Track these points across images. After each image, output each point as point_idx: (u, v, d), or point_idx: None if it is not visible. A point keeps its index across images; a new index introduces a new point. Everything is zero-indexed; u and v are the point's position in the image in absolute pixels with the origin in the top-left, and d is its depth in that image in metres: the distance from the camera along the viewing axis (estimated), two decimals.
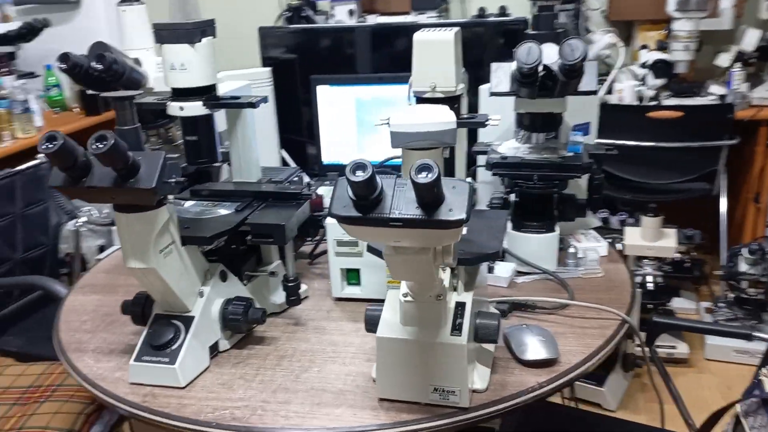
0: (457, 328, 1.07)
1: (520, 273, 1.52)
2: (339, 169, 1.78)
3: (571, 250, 1.53)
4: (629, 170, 3.15)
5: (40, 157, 2.37)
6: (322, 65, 2.08)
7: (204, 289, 1.24)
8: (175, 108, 1.23)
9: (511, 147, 1.57)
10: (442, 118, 0.94)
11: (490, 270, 1.48)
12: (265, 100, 1.31)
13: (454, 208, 0.85)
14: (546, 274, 1.48)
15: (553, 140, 1.59)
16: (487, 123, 1.10)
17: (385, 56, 2.11)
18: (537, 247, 1.51)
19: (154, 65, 1.47)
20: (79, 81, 1.37)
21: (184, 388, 1.17)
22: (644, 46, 3.28)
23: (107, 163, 0.97)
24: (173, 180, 1.09)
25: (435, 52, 1.05)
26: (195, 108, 1.23)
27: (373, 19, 3.32)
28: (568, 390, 2.14)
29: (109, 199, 1.07)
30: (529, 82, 1.33)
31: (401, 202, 0.86)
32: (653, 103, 3.09)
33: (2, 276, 2.17)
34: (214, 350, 1.26)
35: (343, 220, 0.87)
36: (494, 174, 1.50)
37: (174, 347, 1.17)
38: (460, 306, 1.09)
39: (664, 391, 1.57)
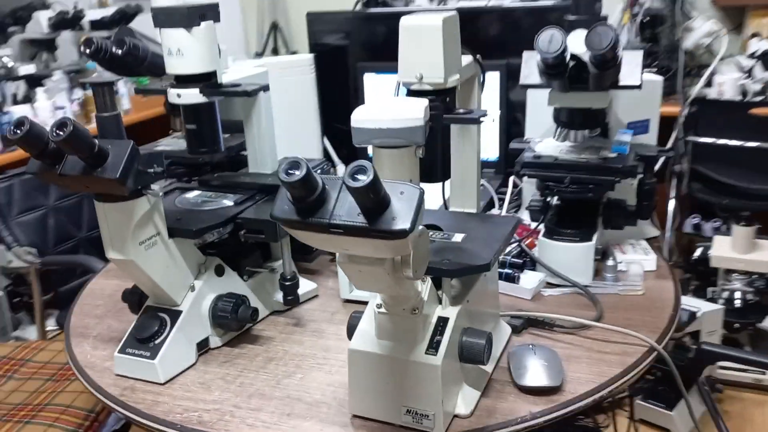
0: (433, 346, 0.96)
1: (550, 285, 1.38)
2: None
3: (610, 262, 1.37)
4: (728, 173, 2.84)
5: None
6: (374, 51, 2.00)
7: (196, 283, 1.20)
8: (173, 95, 1.19)
9: (550, 145, 1.43)
10: (409, 114, 0.84)
11: (515, 279, 1.35)
12: (265, 88, 1.25)
13: (398, 216, 0.75)
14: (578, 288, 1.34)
15: (599, 139, 1.43)
16: (481, 120, 0.98)
17: None
18: (569, 257, 1.36)
19: None
20: (104, 65, 1.38)
21: (163, 384, 1.14)
22: (755, 35, 2.95)
23: (70, 150, 0.95)
24: (152, 170, 1.06)
25: (421, 39, 0.94)
26: (192, 95, 1.18)
27: (454, 3, 3.18)
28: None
29: (82, 187, 1.05)
30: (555, 74, 1.19)
31: (344, 207, 0.77)
32: (759, 98, 2.77)
33: (66, 253, 2.26)
34: (204, 346, 1.22)
35: (282, 222, 0.79)
36: (521, 175, 1.36)
37: (157, 341, 1.15)
38: (442, 321, 0.99)
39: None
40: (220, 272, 1.24)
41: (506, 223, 1.13)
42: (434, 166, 1.02)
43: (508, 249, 1.47)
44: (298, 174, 0.74)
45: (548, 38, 1.12)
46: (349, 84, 1.98)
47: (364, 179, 0.71)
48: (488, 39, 1.86)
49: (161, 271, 1.14)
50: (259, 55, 3.69)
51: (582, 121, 1.34)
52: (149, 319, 1.17)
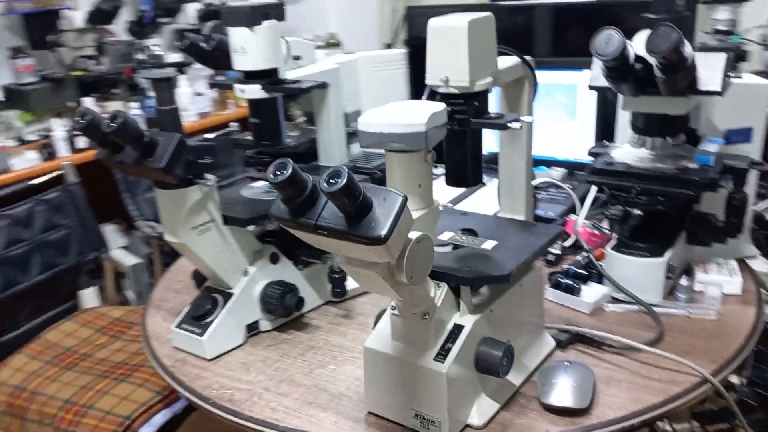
0: (443, 353, 0.95)
1: (615, 300, 1.30)
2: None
3: (684, 282, 1.27)
4: None
5: (233, 126, 2.61)
6: None
7: (250, 269, 1.27)
8: (238, 90, 1.26)
9: (629, 152, 1.34)
10: (412, 120, 0.83)
11: (574, 291, 1.29)
12: (322, 85, 1.28)
13: (377, 222, 0.75)
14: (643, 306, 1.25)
15: (687, 147, 1.32)
16: (509, 125, 0.94)
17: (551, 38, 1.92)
18: (636, 272, 1.27)
19: None
20: (197, 58, 1.49)
21: (210, 360, 1.22)
22: None
23: (122, 140, 1.04)
24: (203, 161, 1.13)
25: (447, 41, 0.92)
26: (254, 91, 1.24)
27: None
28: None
29: (138, 174, 1.14)
30: (618, 77, 1.11)
31: (331, 210, 0.78)
32: None
33: None
34: (254, 329, 1.28)
35: (276, 220, 0.82)
36: (589, 182, 1.29)
37: (208, 320, 1.23)
38: (457, 329, 0.97)
39: None
40: (274, 260, 1.30)
41: (546, 233, 1.08)
42: (464, 170, 1.00)
43: (577, 258, 1.40)
44: (283, 175, 0.76)
45: (605, 39, 1.05)
46: None
47: (337, 184, 0.72)
48: (584, 35, 1.76)
49: (214, 255, 1.21)
50: (389, 46, 3.74)
51: (660, 127, 1.25)
52: (204, 298, 1.26)
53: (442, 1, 2.24)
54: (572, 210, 1.60)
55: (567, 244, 1.48)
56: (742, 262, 1.41)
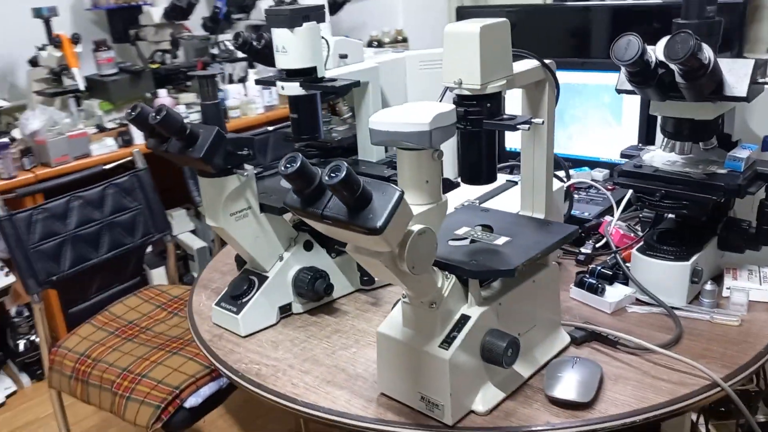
0: (448, 341, 1.01)
1: (640, 302, 1.31)
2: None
3: (708, 287, 1.27)
4: None
5: None
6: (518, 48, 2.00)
7: (285, 254, 1.36)
8: (279, 87, 1.34)
9: (660, 155, 1.35)
10: (417, 119, 0.88)
11: (597, 291, 1.31)
12: (356, 84, 1.35)
13: (375, 214, 0.81)
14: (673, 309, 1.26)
15: (716, 151, 1.32)
16: (518, 127, 0.98)
17: (589, 39, 1.92)
18: (661, 275, 1.28)
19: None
20: (250, 55, 1.58)
21: (244, 337, 1.31)
22: None
23: (166, 132, 1.14)
24: (242, 153, 1.22)
25: (460, 46, 0.96)
26: (293, 88, 1.32)
27: None
28: None
29: (181, 162, 1.23)
30: (640, 82, 1.13)
31: (336, 201, 0.85)
32: None
33: None
34: (287, 311, 1.37)
35: (289, 209, 0.90)
36: (615, 184, 1.31)
37: (244, 300, 1.32)
38: (464, 319, 1.02)
39: None
40: (308, 247, 1.38)
41: (560, 232, 1.11)
42: (478, 169, 1.05)
43: (605, 259, 1.42)
44: (293, 168, 0.84)
45: (625, 45, 1.07)
46: None
47: (336, 177, 0.79)
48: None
49: (251, 240, 1.30)
50: None
51: (689, 132, 1.25)
52: (242, 280, 1.35)
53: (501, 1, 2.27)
54: (609, 211, 1.61)
55: (599, 244, 1.50)
56: None
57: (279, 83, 1.34)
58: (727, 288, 1.31)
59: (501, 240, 1.09)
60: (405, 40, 4.00)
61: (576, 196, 1.71)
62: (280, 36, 1.30)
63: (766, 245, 1.31)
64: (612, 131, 1.78)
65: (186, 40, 3.10)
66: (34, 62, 2.96)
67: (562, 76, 1.81)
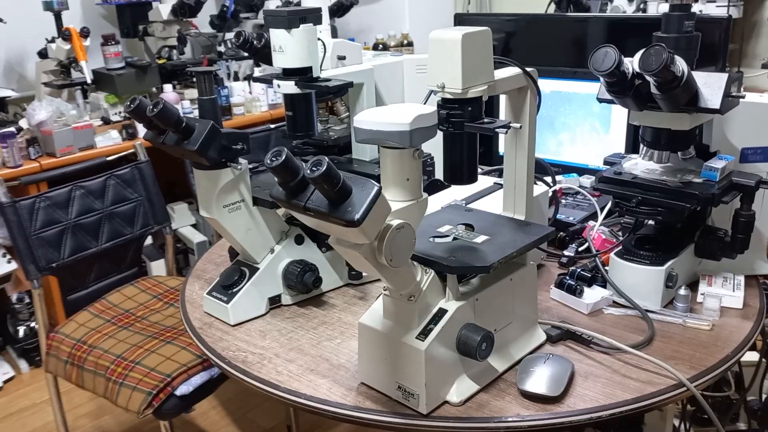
0: (425, 333, 1.05)
1: (617, 304, 1.36)
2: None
3: (682, 291, 1.31)
4: None
5: None
6: (513, 55, 2.04)
7: (276, 247, 1.40)
8: (275, 85, 1.39)
9: (639, 163, 1.39)
10: (398, 120, 0.93)
11: (575, 292, 1.35)
12: (350, 84, 1.40)
13: (354, 207, 0.86)
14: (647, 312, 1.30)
15: (695, 161, 1.36)
16: (497, 130, 1.02)
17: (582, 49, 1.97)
18: (637, 279, 1.33)
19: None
20: (250, 54, 1.64)
21: (233, 326, 1.36)
22: None
23: (163, 124, 1.19)
24: (237, 147, 1.27)
25: (444, 51, 1.01)
26: (288, 87, 1.37)
27: (654, 7, 3.03)
28: None
29: (178, 154, 1.28)
30: (617, 91, 1.17)
31: (318, 194, 0.90)
32: None
33: None
34: (277, 302, 1.42)
35: (276, 200, 0.95)
36: (595, 189, 1.35)
37: (234, 290, 1.37)
38: (441, 312, 1.07)
39: None
40: (299, 241, 1.43)
41: (537, 233, 1.16)
42: (460, 169, 1.09)
43: (584, 262, 1.46)
44: (277, 161, 0.89)
45: (602, 56, 1.11)
46: None
47: (317, 171, 0.84)
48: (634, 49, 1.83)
49: (242, 232, 1.35)
50: None
51: (667, 141, 1.29)
52: (233, 270, 1.40)
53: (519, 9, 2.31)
54: (594, 216, 1.65)
55: (582, 248, 1.54)
56: (754, 279, 1.43)
57: (276, 81, 1.39)
58: (702, 294, 1.35)
59: (480, 238, 1.14)
60: (410, 44, 4.05)
61: (563, 201, 1.76)
62: (277, 36, 1.35)
63: (741, 253, 1.36)
64: (600, 139, 1.82)
65: (193, 37, 3.15)
66: (43, 54, 3.02)
67: (555, 84, 1.87)
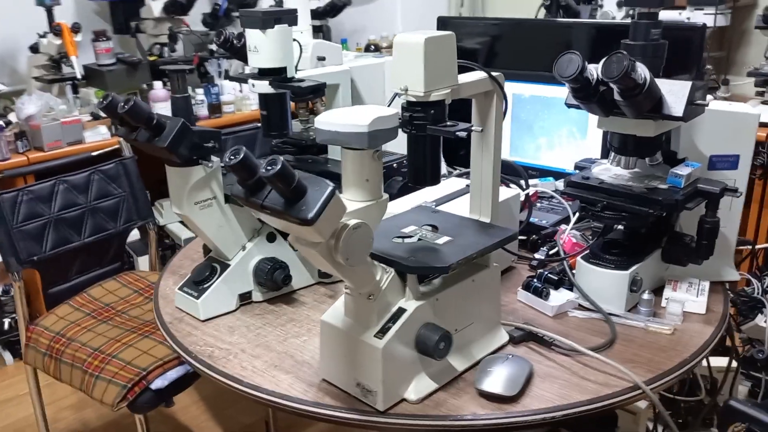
0: (383, 331, 1.07)
1: (582, 307, 1.37)
2: (506, 166, 1.78)
3: (646, 296, 1.33)
4: None
5: None
6: (493, 58, 2.07)
7: (248, 244, 1.42)
8: (250, 84, 1.41)
9: (607, 168, 1.41)
10: (357, 121, 0.95)
11: (542, 294, 1.37)
12: (323, 85, 1.41)
13: (308, 206, 0.88)
14: (610, 315, 1.32)
15: (662, 167, 1.38)
16: (457, 134, 1.04)
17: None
18: (602, 283, 1.34)
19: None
20: (230, 53, 1.65)
21: (203, 321, 1.38)
22: None
23: (134, 122, 1.21)
24: (208, 145, 1.29)
25: (407, 55, 1.03)
26: (263, 86, 1.39)
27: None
28: None
29: (149, 151, 1.30)
30: (583, 97, 1.19)
31: (275, 193, 0.91)
32: None
33: None
34: (247, 298, 1.43)
35: (234, 196, 0.96)
36: (563, 194, 1.37)
37: (205, 286, 1.39)
38: (400, 311, 1.09)
39: None
40: (271, 239, 1.44)
41: (499, 235, 1.18)
42: (422, 171, 1.11)
43: (553, 265, 1.48)
44: (236, 159, 0.90)
45: (566, 62, 1.13)
46: None
47: (272, 170, 0.86)
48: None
49: (214, 229, 1.37)
50: None
51: (633, 147, 1.31)
52: (205, 266, 1.42)
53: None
54: (567, 220, 1.67)
55: (552, 251, 1.56)
56: (721, 285, 1.45)
57: (251, 81, 1.41)
58: (666, 298, 1.37)
59: (442, 239, 1.16)
60: None
61: (539, 204, 1.78)
62: (252, 36, 1.37)
63: (706, 259, 1.37)
64: (578, 144, 1.84)
65: (185, 34, 3.17)
66: (34, 49, 3.04)
67: (535, 89, 1.89)
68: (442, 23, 2.04)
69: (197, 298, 1.37)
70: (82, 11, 3.34)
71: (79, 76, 2.92)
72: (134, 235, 3.01)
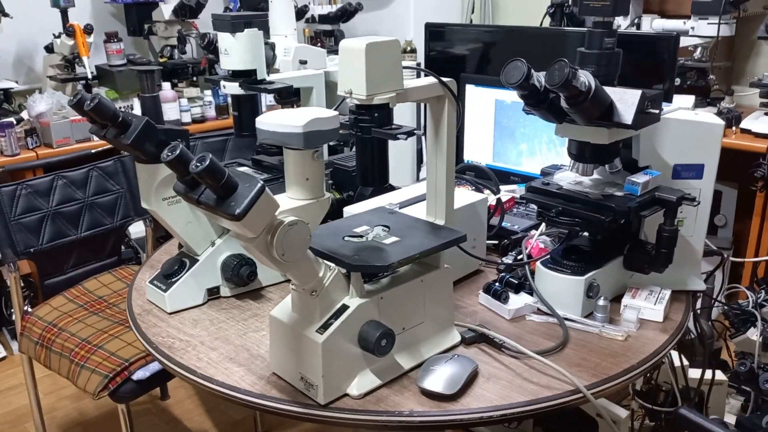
0: (324, 326, 1.10)
1: (540, 311, 1.39)
2: (475, 170, 1.80)
3: (601, 302, 1.34)
4: None
5: None
6: (479, 65, 2.08)
7: (217, 240, 1.46)
8: (221, 86, 1.46)
9: (569, 175, 1.42)
10: (292, 122, 0.98)
11: (500, 298, 1.39)
12: (289, 87, 1.45)
13: (237, 202, 0.91)
14: (566, 320, 1.33)
15: (621, 175, 1.39)
16: (398, 136, 1.07)
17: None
18: (559, 288, 1.36)
19: (282, 50, 1.73)
20: (215, 56, 1.71)
21: (169, 314, 1.42)
22: None
23: (100, 119, 1.26)
24: (177, 143, 1.33)
25: (351, 60, 1.06)
26: (233, 88, 1.44)
27: (648, 22, 3.03)
28: None
29: (119, 148, 1.35)
30: (532, 104, 1.21)
31: (209, 189, 0.95)
32: None
33: None
34: (216, 293, 1.48)
35: (176, 191, 1.00)
36: (521, 198, 1.39)
37: (173, 279, 1.43)
38: (343, 308, 1.12)
39: None
40: None
41: (447, 237, 1.20)
42: (369, 172, 1.14)
43: (519, 269, 1.50)
44: (172, 155, 0.94)
45: (512, 69, 1.15)
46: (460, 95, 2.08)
47: (200, 167, 0.89)
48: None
49: (182, 224, 1.42)
50: None
51: (591, 155, 1.32)
52: (175, 261, 1.46)
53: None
54: (539, 226, 1.68)
55: (520, 256, 1.57)
56: (686, 294, 1.45)
57: (222, 82, 1.45)
58: (624, 305, 1.38)
59: (390, 240, 1.19)
60: (414, 50, 4.10)
61: (515, 209, 1.79)
62: (223, 39, 1.41)
63: (665, 267, 1.38)
64: (558, 151, 1.85)
65: (194, 37, 3.24)
66: (49, 49, 3.14)
67: (507, 94, 1.90)
68: (430, 29, 2.07)
69: (165, 291, 1.42)
70: (99, 13, 3.44)
71: (90, 75, 3.01)
72: (141, 231, 3.10)
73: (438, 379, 1.14)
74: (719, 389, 2.08)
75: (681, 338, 2.01)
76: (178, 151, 0.94)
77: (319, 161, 1.04)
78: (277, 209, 0.96)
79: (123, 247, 2.52)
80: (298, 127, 0.98)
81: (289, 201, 1.04)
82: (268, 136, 1.01)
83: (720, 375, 2.07)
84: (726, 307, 2.37)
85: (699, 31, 2.83)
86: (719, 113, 2.81)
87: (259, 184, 0.92)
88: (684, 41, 2.96)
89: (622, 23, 3.09)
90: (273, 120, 1.01)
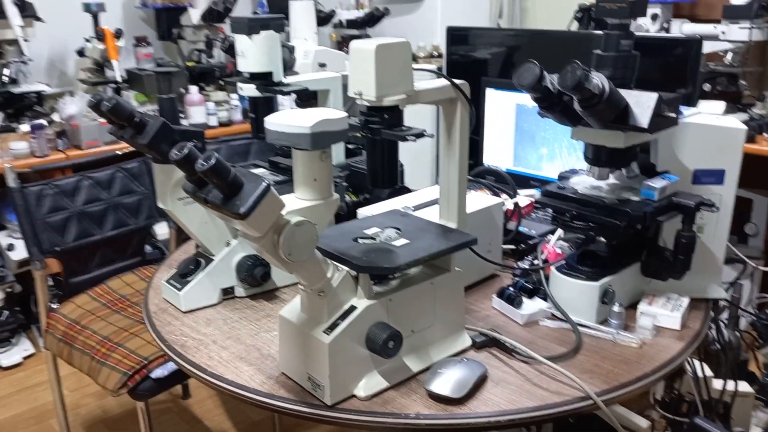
0: (332, 327, 1.10)
1: (553, 317, 1.37)
2: (493, 174, 1.79)
3: (616, 308, 1.32)
4: None
5: None
6: (500, 68, 2.07)
7: (233, 241, 1.48)
8: (238, 88, 1.47)
9: (586, 179, 1.41)
10: (300, 123, 0.99)
11: (514, 302, 1.38)
12: (305, 90, 1.46)
13: (242, 201, 0.92)
14: (579, 326, 1.31)
15: (638, 180, 1.37)
16: (408, 138, 1.07)
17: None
18: (573, 294, 1.34)
19: (302, 53, 1.74)
20: (234, 57, 1.72)
21: (184, 312, 1.44)
22: None
23: (117, 119, 1.28)
24: (193, 143, 1.35)
25: (361, 61, 1.06)
26: (250, 90, 1.45)
27: (677, 26, 2.98)
28: None
29: (137, 148, 1.37)
30: (546, 107, 1.20)
31: (215, 188, 0.96)
32: None
33: None
34: (230, 293, 1.49)
35: (185, 191, 1.01)
36: (537, 202, 1.37)
37: (189, 279, 1.45)
38: (351, 309, 1.11)
39: None
40: None
41: (457, 240, 1.19)
42: (379, 173, 1.14)
43: (534, 274, 1.48)
44: (181, 155, 0.96)
45: (524, 70, 1.14)
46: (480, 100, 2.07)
47: (206, 165, 0.90)
48: None
49: (198, 224, 1.43)
50: None
51: (607, 159, 1.31)
52: (191, 261, 1.48)
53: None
54: (556, 231, 1.66)
55: (536, 261, 1.56)
56: (705, 302, 1.42)
57: (239, 84, 1.47)
58: (640, 312, 1.35)
59: (400, 242, 1.18)
60: (441, 55, 4.09)
61: (534, 214, 1.78)
62: (240, 41, 1.43)
63: (682, 274, 1.35)
64: (578, 155, 1.83)
65: (221, 41, 3.28)
66: (81, 53, 3.21)
67: (527, 97, 1.88)
68: (452, 33, 2.06)
69: (180, 290, 1.43)
70: (130, 18, 3.51)
71: (119, 79, 3.06)
72: (167, 232, 3.14)
73: (446, 383, 1.13)
74: (745, 401, 2.03)
75: (706, 348, 1.98)
76: (186, 150, 0.95)
77: (327, 162, 1.04)
78: (283, 208, 0.97)
79: (150, 248, 2.56)
80: (305, 128, 0.99)
81: (296, 201, 1.05)
82: (277, 137, 1.02)
83: (746, 387, 2.02)
84: (755, 318, 2.31)
85: (730, 35, 2.77)
86: (750, 119, 2.75)
87: (264, 184, 0.92)
88: (715, 46, 2.90)
89: (650, 27, 3.04)
90: (281, 120, 1.02)
